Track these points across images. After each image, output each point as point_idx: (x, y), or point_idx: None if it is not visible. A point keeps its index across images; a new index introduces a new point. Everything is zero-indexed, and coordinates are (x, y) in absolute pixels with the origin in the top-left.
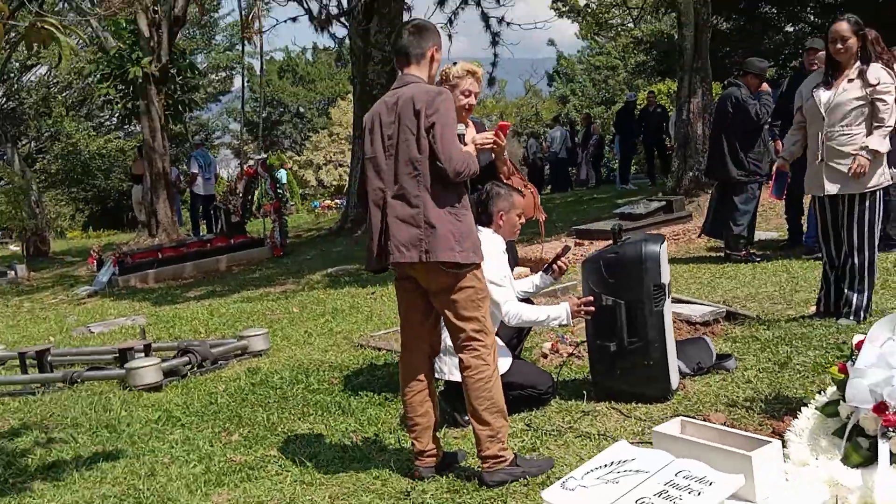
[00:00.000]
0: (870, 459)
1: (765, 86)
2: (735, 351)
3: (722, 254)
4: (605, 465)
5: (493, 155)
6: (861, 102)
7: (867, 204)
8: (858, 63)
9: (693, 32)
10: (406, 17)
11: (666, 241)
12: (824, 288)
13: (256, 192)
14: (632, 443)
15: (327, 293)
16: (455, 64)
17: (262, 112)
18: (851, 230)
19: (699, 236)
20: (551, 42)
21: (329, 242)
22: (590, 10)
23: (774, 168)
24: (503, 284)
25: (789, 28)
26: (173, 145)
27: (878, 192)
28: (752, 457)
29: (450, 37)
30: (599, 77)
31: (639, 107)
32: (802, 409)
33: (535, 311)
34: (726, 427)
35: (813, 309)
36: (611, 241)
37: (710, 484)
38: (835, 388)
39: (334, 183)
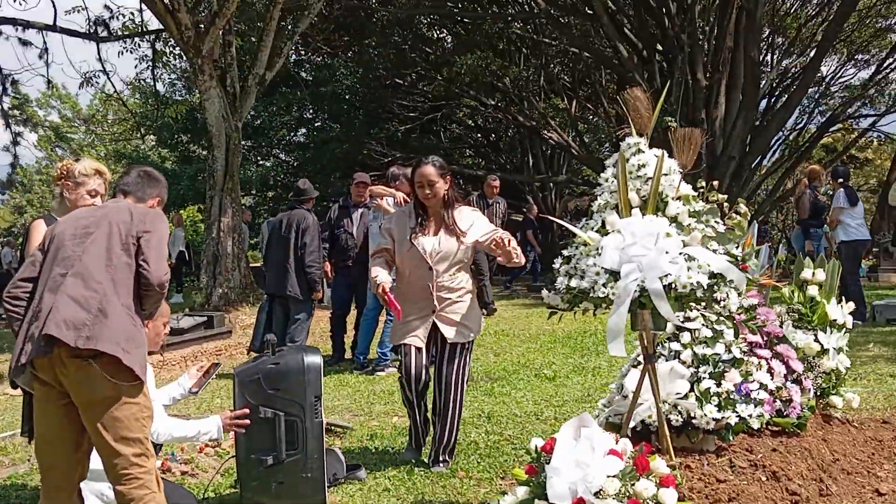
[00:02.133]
0: None
1: None
2: (351, 461)
3: None
4: None
5: None
6: (464, 247)
7: (467, 352)
8: (448, 207)
9: (224, 155)
10: None
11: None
12: (413, 431)
13: None
14: None
15: None
16: (79, 160)
17: None
18: (451, 375)
19: (248, 352)
20: (6, 148)
21: None
22: (49, 124)
23: (385, 293)
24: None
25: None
26: None
27: (474, 341)
28: None
29: None
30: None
31: None
32: None
33: (185, 427)
34: None
35: (396, 420)
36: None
37: None
38: (525, 488)
39: None
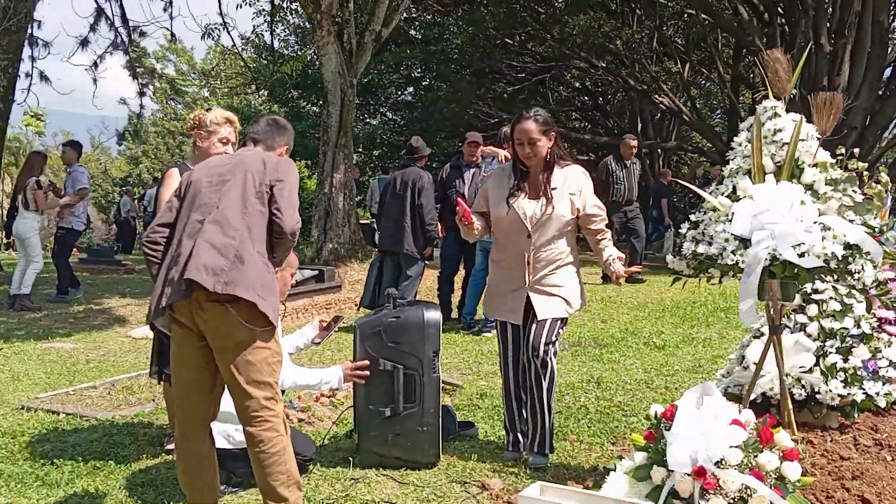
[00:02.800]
0: None
1: None
2: (462, 418)
3: None
4: None
5: None
6: (569, 216)
7: (560, 326)
8: (550, 168)
9: (339, 111)
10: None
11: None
12: (509, 422)
13: None
14: None
15: None
16: (209, 110)
17: None
18: (541, 349)
19: (359, 308)
20: (123, 101)
21: None
22: (165, 77)
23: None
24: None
25: (373, 123)
26: None
27: (568, 319)
28: None
29: (95, 81)
30: (174, 142)
31: None
32: (611, 473)
33: (309, 376)
34: (588, 491)
35: None
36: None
37: None
38: (643, 453)
39: None
